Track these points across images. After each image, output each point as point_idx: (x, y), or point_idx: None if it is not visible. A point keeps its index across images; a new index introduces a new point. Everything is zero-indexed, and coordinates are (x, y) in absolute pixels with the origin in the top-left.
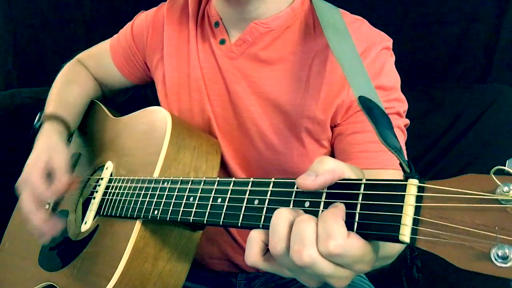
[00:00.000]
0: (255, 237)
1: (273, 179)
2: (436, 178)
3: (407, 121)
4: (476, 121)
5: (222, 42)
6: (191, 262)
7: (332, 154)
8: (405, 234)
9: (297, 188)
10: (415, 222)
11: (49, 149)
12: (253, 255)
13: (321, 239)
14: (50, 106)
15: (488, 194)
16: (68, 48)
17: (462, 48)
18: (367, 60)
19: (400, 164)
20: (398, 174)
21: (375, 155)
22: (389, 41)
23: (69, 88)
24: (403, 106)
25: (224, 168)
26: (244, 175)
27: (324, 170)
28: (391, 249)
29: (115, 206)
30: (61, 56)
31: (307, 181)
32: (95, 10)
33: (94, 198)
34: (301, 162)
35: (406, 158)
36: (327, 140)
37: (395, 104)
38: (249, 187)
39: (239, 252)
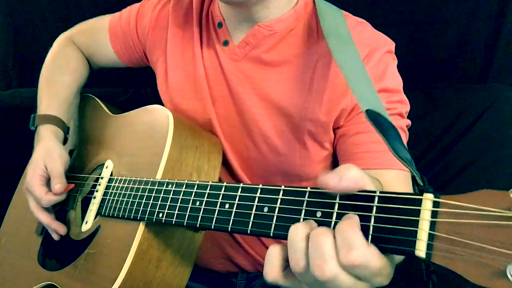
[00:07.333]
0: (274, 253)
1: (283, 187)
2: (436, 178)
3: (409, 122)
4: (476, 121)
5: (225, 43)
6: (193, 263)
7: (334, 156)
8: (421, 249)
9: (308, 197)
10: (431, 237)
11: (46, 155)
12: (273, 272)
13: (341, 251)
14: (43, 104)
15: (504, 211)
16: None
17: (462, 48)
18: (370, 63)
19: (413, 177)
20: (401, 174)
21: (378, 155)
22: (391, 45)
23: (60, 78)
24: (405, 107)
25: (225, 169)
26: (244, 176)
27: (348, 178)
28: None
29: (117, 207)
30: None
31: (331, 181)
32: (95, 10)
33: (94, 197)
34: (303, 164)
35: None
36: (329, 142)
37: (398, 106)
38: (257, 194)
39: (239, 251)
